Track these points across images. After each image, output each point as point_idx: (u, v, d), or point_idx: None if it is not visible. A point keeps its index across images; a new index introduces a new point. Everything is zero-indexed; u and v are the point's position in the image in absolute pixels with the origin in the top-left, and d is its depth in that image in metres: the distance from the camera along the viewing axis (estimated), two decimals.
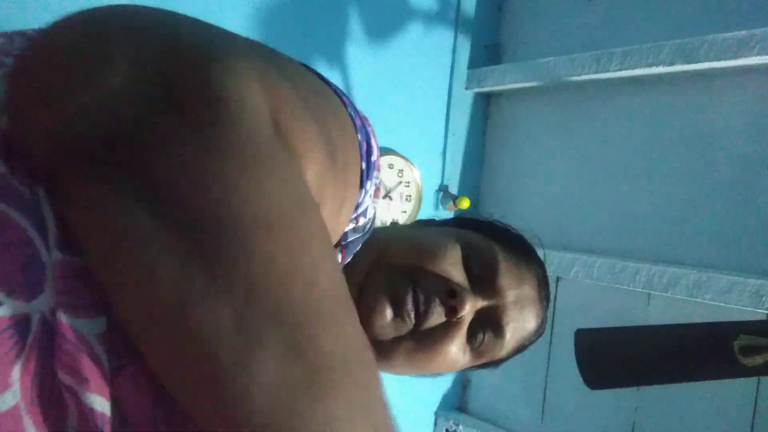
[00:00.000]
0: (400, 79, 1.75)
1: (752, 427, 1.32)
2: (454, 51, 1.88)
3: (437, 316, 0.54)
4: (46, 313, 0.26)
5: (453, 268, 0.56)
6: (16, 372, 0.24)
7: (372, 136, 0.48)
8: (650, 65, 1.49)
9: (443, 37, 1.85)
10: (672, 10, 1.56)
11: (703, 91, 1.49)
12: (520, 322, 0.60)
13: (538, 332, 0.65)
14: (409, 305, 0.53)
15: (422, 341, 0.54)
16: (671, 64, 1.45)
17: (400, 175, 1.77)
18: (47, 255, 0.26)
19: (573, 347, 0.86)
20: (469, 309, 0.55)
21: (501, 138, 1.96)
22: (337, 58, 1.60)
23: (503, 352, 0.61)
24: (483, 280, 0.58)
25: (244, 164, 0.27)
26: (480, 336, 0.57)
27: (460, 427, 1.87)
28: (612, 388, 0.93)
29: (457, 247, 0.58)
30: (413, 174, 1.79)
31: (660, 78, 1.54)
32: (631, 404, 1.52)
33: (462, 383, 1.94)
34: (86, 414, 0.26)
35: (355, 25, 1.62)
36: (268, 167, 0.28)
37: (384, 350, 0.54)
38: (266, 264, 0.26)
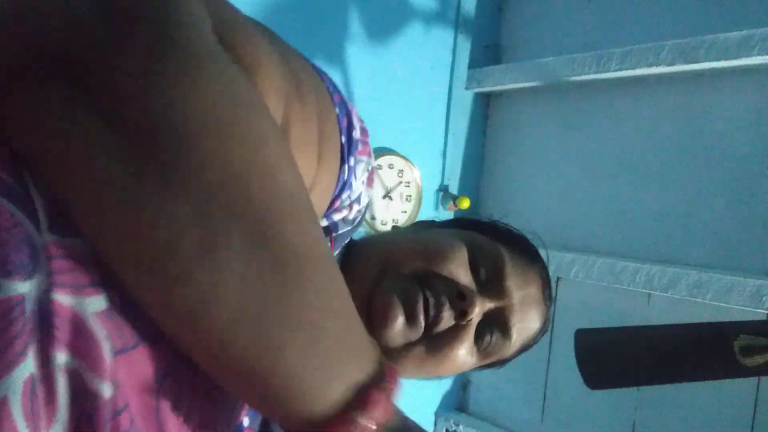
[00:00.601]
0: (400, 79, 1.75)
1: (752, 427, 1.32)
2: (454, 51, 1.88)
3: (447, 320, 0.54)
4: (40, 295, 0.26)
5: (460, 270, 0.56)
6: (14, 354, 0.25)
7: (354, 115, 0.48)
8: (650, 65, 1.49)
9: (443, 37, 1.85)
10: (672, 10, 1.56)
11: (703, 91, 1.49)
12: (526, 323, 0.60)
13: (543, 331, 0.65)
14: (421, 311, 0.53)
15: (433, 346, 0.54)
16: (671, 64, 1.45)
17: (400, 175, 1.77)
18: (39, 237, 0.26)
19: (573, 347, 0.86)
20: (478, 311, 0.55)
21: (501, 138, 1.96)
22: (338, 58, 1.60)
23: (510, 352, 0.62)
24: (490, 282, 0.58)
25: (187, 68, 0.27)
26: (488, 337, 0.58)
27: (460, 427, 1.87)
28: (612, 388, 0.93)
29: (464, 248, 0.58)
30: (413, 174, 1.79)
31: (660, 78, 1.54)
32: (632, 404, 1.52)
33: (462, 383, 1.94)
34: (82, 395, 0.26)
35: (356, 25, 1.62)
36: (214, 70, 0.28)
37: (394, 357, 0.54)
38: (222, 164, 0.26)
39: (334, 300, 0.30)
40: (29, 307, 0.25)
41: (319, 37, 1.56)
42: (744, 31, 1.33)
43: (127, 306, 0.29)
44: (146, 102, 0.26)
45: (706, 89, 1.48)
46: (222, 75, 0.28)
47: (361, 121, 0.50)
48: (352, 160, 0.47)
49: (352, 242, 0.60)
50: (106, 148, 0.25)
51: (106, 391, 0.27)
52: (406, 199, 1.80)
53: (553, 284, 1.77)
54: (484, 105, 1.99)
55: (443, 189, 1.91)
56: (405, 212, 1.81)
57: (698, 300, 1.37)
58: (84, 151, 0.25)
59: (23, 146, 0.27)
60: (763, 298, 1.27)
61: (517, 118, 1.91)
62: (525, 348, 0.65)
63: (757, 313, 1.29)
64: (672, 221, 1.52)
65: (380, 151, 1.72)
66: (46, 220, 0.27)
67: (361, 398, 0.30)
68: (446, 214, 1.93)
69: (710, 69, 1.43)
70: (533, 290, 0.61)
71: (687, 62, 1.42)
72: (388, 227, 1.77)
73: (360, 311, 0.40)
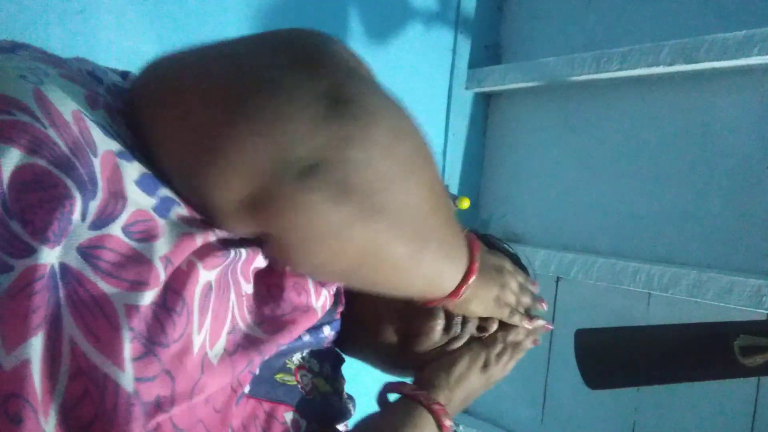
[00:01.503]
0: (400, 79, 1.75)
1: (752, 428, 1.32)
2: (454, 51, 1.88)
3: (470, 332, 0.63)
4: (55, 265, 0.28)
5: None
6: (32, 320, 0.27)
7: None
8: (650, 65, 1.49)
9: (443, 37, 1.85)
10: (672, 10, 1.56)
11: (703, 91, 1.49)
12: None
13: None
14: (458, 323, 0.61)
15: (453, 344, 0.62)
16: (671, 64, 1.45)
17: None
18: (79, 220, 0.29)
19: (573, 347, 0.86)
20: (494, 327, 0.63)
21: (501, 138, 1.96)
22: None
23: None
24: None
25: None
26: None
27: (461, 427, 1.87)
28: (612, 388, 0.93)
29: None
30: None
31: (660, 78, 1.54)
32: (632, 404, 1.52)
33: None
34: (89, 371, 0.29)
35: (356, 25, 1.62)
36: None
37: (425, 357, 0.60)
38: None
39: (450, 221, 0.44)
40: (55, 272, 0.28)
41: None
42: (744, 31, 1.33)
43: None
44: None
45: (706, 89, 1.48)
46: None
47: None
48: None
49: None
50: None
51: (116, 374, 0.30)
52: None
53: (553, 284, 1.78)
54: (484, 105, 1.99)
55: None
56: None
57: (698, 300, 1.37)
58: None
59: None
60: (763, 298, 1.27)
61: (517, 118, 1.91)
62: None
63: (757, 313, 1.29)
64: (672, 221, 1.52)
65: None
66: (96, 213, 0.31)
67: (469, 270, 0.49)
68: None
69: (710, 69, 1.43)
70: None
71: (687, 62, 1.42)
72: None
73: (398, 325, 0.59)
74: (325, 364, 0.58)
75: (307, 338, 0.53)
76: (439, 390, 0.57)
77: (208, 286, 0.36)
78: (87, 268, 0.29)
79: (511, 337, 0.64)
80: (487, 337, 0.64)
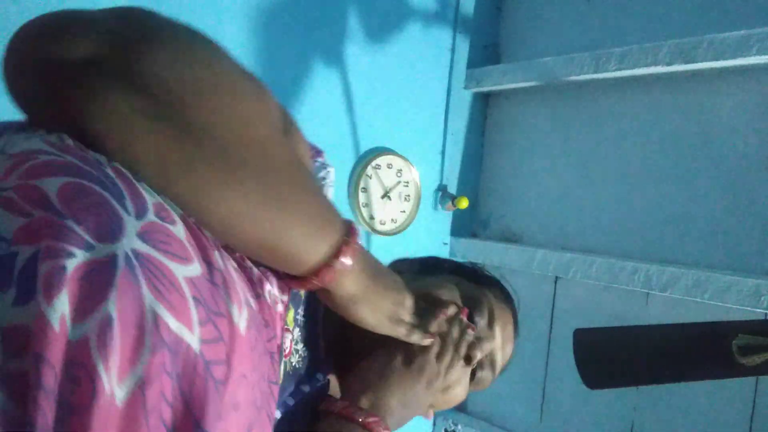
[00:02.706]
0: (399, 79, 1.75)
1: (751, 427, 1.33)
2: (453, 51, 1.88)
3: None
4: (128, 252, 0.32)
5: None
6: (112, 294, 0.30)
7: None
8: (649, 65, 1.49)
9: (442, 37, 1.86)
10: (670, 9, 1.56)
11: (702, 91, 1.49)
12: (505, 357, 0.70)
13: (511, 359, 0.75)
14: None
15: (444, 388, 0.61)
16: (670, 63, 1.45)
17: (398, 174, 1.77)
18: (126, 214, 0.33)
19: (572, 347, 0.86)
20: (479, 357, 0.62)
21: (500, 138, 1.96)
22: (337, 58, 1.60)
23: (491, 383, 0.71)
24: (485, 328, 0.66)
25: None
26: (479, 374, 0.66)
27: (459, 427, 1.87)
28: (611, 387, 0.93)
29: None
30: (412, 174, 1.79)
31: (659, 78, 1.54)
32: (630, 404, 1.52)
33: None
34: (167, 336, 0.32)
35: (355, 25, 1.62)
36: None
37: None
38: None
39: (310, 192, 0.44)
40: (121, 260, 0.31)
41: (319, 37, 1.56)
42: (742, 31, 1.33)
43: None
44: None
45: (705, 89, 1.48)
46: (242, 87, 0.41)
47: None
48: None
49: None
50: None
51: (191, 338, 0.33)
52: (405, 198, 1.80)
53: (552, 284, 1.78)
54: (483, 105, 1.99)
55: (442, 189, 1.91)
56: (404, 212, 1.81)
57: (696, 299, 1.37)
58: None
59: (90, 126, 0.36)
60: (762, 298, 1.27)
61: (516, 118, 1.91)
62: (501, 372, 0.74)
63: (756, 313, 1.29)
64: (670, 221, 1.52)
65: (379, 151, 1.72)
66: (133, 207, 0.34)
67: (338, 249, 0.45)
68: (445, 214, 1.93)
69: (709, 69, 1.43)
70: (509, 329, 0.70)
71: (686, 62, 1.42)
72: (386, 227, 1.77)
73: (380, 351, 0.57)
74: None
75: (307, 389, 0.55)
76: (373, 403, 0.54)
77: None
78: (151, 249, 0.33)
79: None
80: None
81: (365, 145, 1.71)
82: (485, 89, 1.91)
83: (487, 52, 1.96)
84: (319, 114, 1.59)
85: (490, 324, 0.66)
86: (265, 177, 0.39)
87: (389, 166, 1.74)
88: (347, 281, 0.47)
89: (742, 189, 1.41)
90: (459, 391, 0.63)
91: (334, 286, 0.47)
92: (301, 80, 1.54)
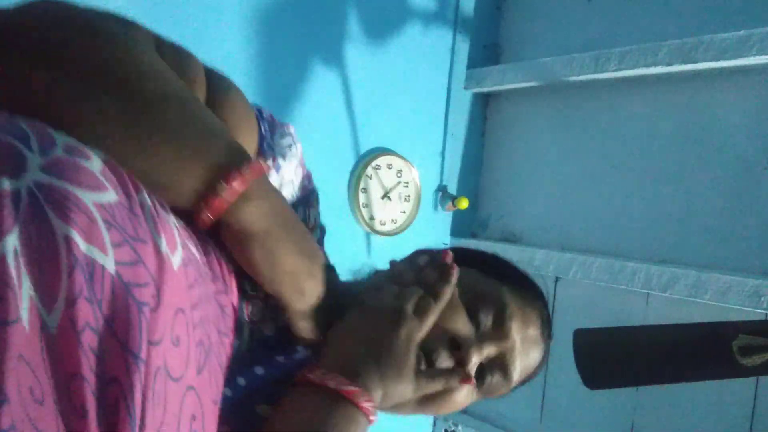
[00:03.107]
0: (399, 80, 1.75)
1: (751, 428, 1.32)
2: (453, 51, 1.88)
3: (444, 361, 0.54)
4: (31, 185, 0.32)
5: (456, 317, 0.56)
6: (16, 227, 0.31)
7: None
8: (649, 65, 1.49)
9: (442, 37, 1.85)
10: (670, 10, 1.56)
11: (701, 91, 1.49)
12: (526, 363, 0.61)
13: (541, 367, 0.66)
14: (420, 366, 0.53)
15: (433, 396, 0.54)
16: (669, 64, 1.45)
17: (398, 175, 1.77)
18: (29, 152, 0.34)
19: (572, 347, 0.86)
20: (475, 360, 0.55)
21: (500, 138, 1.96)
22: (337, 58, 1.60)
23: (507, 391, 0.62)
24: (489, 327, 0.58)
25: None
26: (488, 379, 0.58)
27: (459, 428, 1.87)
28: (611, 388, 0.93)
29: (460, 300, 0.57)
30: (412, 174, 1.79)
31: (658, 78, 1.54)
32: (630, 404, 1.52)
33: None
34: (80, 256, 0.33)
35: (355, 26, 1.62)
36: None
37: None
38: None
39: (185, 121, 0.42)
40: (24, 196, 0.32)
41: (319, 38, 1.56)
42: (742, 31, 1.33)
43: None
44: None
45: (705, 89, 1.48)
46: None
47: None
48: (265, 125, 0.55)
49: (347, 285, 0.60)
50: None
51: (106, 262, 0.34)
52: (405, 199, 1.80)
53: (552, 284, 1.78)
54: (483, 105, 1.99)
55: (442, 189, 1.91)
56: (404, 212, 1.81)
57: (697, 300, 1.37)
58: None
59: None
60: (762, 298, 1.27)
61: (516, 118, 1.91)
62: (525, 382, 0.65)
63: (756, 313, 1.29)
64: (670, 221, 1.52)
65: (379, 151, 1.72)
66: (37, 144, 0.35)
67: (225, 175, 0.42)
68: (445, 215, 1.93)
69: (709, 69, 1.43)
70: (532, 331, 0.61)
71: (685, 62, 1.42)
72: (386, 227, 1.77)
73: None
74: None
75: (282, 360, 0.50)
76: (347, 369, 0.47)
77: (153, 203, 0.40)
78: (54, 179, 0.33)
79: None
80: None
81: (365, 146, 1.71)
82: (485, 89, 1.91)
83: (487, 52, 1.96)
84: (319, 114, 1.58)
85: (500, 324, 0.58)
86: (123, 99, 0.40)
87: (389, 166, 1.74)
88: (243, 213, 0.43)
89: (742, 189, 1.41)
90: (457, 397, 0.56)
91: (228, 217, 0.43)
92: (302, 81, 1.53)
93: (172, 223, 0.41)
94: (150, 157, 0.40)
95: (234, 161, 0.42)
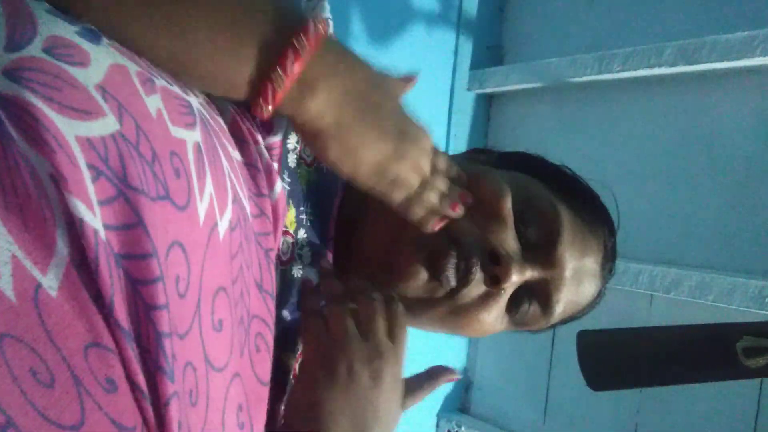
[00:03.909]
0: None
1: (755, 429, 1.32)
2: (456, 52, 1.88)
3: (477, 284, 0.46)
4: None
5: (499, 222, 0.47)
6: None
7: None
8: (653, 66, 1.48)
9: (445, 38, 1.85)
10: (674, 11, 1.56)
11: (705, 92, 1.48)
12: (574, 298, 0.52)
13: (592, 305, 0.57)
14: (450, 272, 0.45)
15: (457, 309, 0.47)
16: (674, 65, 1.45)
17: None
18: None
19: (575, 348, 0.86)
20: (515, 280, 0.46)
21: (503, 139, 1.96)
22: None
23: (546, 325, 0.54)
24: (538, 247, 0.49)
25: None
26: (525, 307, 0.49)
27: (463, 429, 1.86)
28: (614, 389, 0.93)
29: (509, 197, 0.48)
30: None
31: (662, 79, 1.54)
32: (634, 406, 1.52)
33: (464, 384, 1.93)
34: (71, 220, 0.24)
35: (357, 26, 1.62)
36: None
37: (413, 309, 0.47)
38: None
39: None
40: None
41: None
42: (746, 32, 1.33)
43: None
44: None
45: (709, 90, 1.48)
46: None
47: None
48: None
49: None
50: None
51: (85, 213, 0.25)
52: None
53: None
54: (486, 106, 1.99)
55: None
56: None
57: (701, 301, 1.36)
58: None
59: None
60: (766, 299, 1.26)
61: (519, 119, 1.91)
62: (565, 321, 0.57)
63: (760, 315, 1.28)
64: (674, 222, 1.51)
65: None
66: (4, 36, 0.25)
67: (281, 52, 0.32)
68: None
69: (713, 70, 1.43)
70: (590, 262, 0.51)
71: (689, 63, 1.42)
72: None
73: (379, 262, 0.46)
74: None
75: (288, 317, 0.44)
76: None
77: (196, 147, 0.30)
78: (24, 92, 0.24)
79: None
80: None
81: None
82: (488, 90, 1.91)
83: (490, 53, 1.96)
84: None
85: (551, 246, 0.48)
86: None
87: None
88: (306, 104, 0.34)
89: (746, 190, 1.40)
90: (482, 316, 0.47)
91: (289, 110, 0.35)
92: None
93: (226, 169, 0.32)
94: (186, 41, 0.31)
95: (286, 32, 0.33)
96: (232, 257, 0.33)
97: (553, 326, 0.57)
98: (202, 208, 0.30)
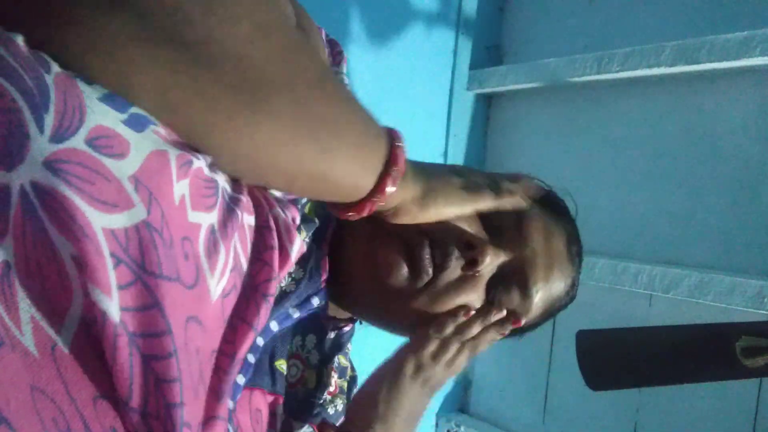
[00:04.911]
0: (401, 80, 1.75)
1: (754, 429, 1.32)
2: (455, 52, 1.88)
3: (454, 270, 0.49)
4: (25, 185, 0.24)
5: (468, 219, 0.51)
6: (6, 239, 0.24)
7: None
8: (652, 66, 1.49)
9: (444, 38, 1.85)
10: (673, 11, 1.56)
11: (704, 92, 1.49)
12: (549, 281, 0.53)
13: (569, 295, 0.59)
14: (426, 261, 0.48)
15: (435, 296, 0.49)
16: (673, 65, 1.45)
17: None
18: (36, 131, 0.25)
19: (574, 348, 0.86)
20: (489, 261, 0.49)
21: (502, 139, 1.96)
22: None
23: (530, 314, 0.55)
24: (505, 231, 0.52)
25: None
26: (502, 293, 0.52)
27: (462, 429, 1.86)
28: (613, 389, 0.93)
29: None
30: None
31: (661, 79, 1.54)
32: (633, 405, 1.52)
33: (463, 384, 1.94)
34: (90, 303, 0.26)
35: (357, 26, 1.63)
36: None
37: (399, 305, 0.50)
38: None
39: (347, 102, 0.37)
40: (15, 196, 0.24)
41: None
42: (745, 32, 1.33)
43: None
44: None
45: (708, 90, 1.48)
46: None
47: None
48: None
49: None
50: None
51: (108, 305, 0.26)
52: None
53: None
54: (486, 106, 1.99)
55: None
56: None
57: (700, 301, 1.37)
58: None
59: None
60: (765, 299, 1.27)
61: (519, 119, 1.91)
62: (549, 313, 0.58)
63: (759, 314, 1.28)
64: (673, 222, 1.52)
65: None
66: (53, 126, 0.26)
67: (389, 163, 0.40)
68: None
69: (711, 70, 1.43)
70: (557, 244, 0.54)
71: (688, 63, 1.42)
72: None
73: (365, 261, 0.50)
74: (322, 352, 0.54)
75: (297, 315, 0.48)
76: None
77: (210, 229, 0.32)
78: (61, 184, 0.25)
79: (457, 329, 0.51)
80: (419, 335, 0.51)
81: None
82: (488, 90, 1.91)
83: (489, 53, 1.96)
84: None
85: (518, 229, 0.52)
86: (298, 94, 0.31)
87: None
88: (406, 188, 0.43)
89: (745, 190, 1.40)
90: (461, 302, 0.50)
91: (393, 198, 0.42)
92: None
93: (235, 239, 0.34)
94: (320, 156, 0.34)
95: (389, 151, 0.40)
96: (225, 320, 0.35)
97: (535, 325, 0.59)
98: (212, 283, 0.32)
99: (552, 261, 0.53)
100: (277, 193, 0.42)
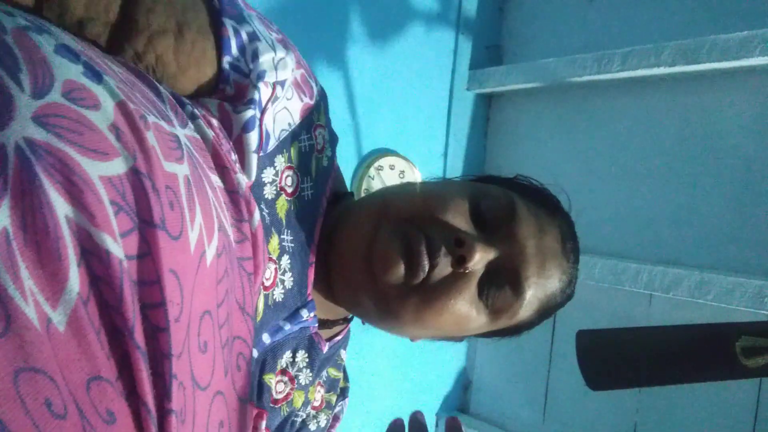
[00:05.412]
0: (401, 80, 1.75)
1: (754, 429, 1.32)
2: (455, 52, 1.88)
3: (443, 267, 0.47)
4: (19, 142, 0.25)
5: (458, 216, 0.49)
6: (4, 201, 0.24)
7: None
8: (652, 66, 1.49)
9: (444, 38, 1.85)
10: (673, 11, 1.56)
11: (704, 91, 1.49)
12: (542, 278, 0.52)
13: (565, 293, 0.57)
14: (424, 254, 0.47)
15: (428, 296, 0.48)
16: (673, 64, 1.45)
17: (401, 176, 1.77)
18: (18, 91, 0.26)
19: (574, 348, 0.86)
20: (479, 258, 0.47)
21: (502, 139, 1.96)
22: (339, 59, 1.60)
23: (524, 312, 0.53)
24: (496, 228, 0.50)
25: None
26: (494, 291, 0.50)
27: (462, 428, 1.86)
28: (613, 389, 0.93)
29: (465, 194, 0.51)
30: (414, 175, 1.79)
31: (662, 79, 1.54)
32: (633, 405, 1.52)
33: (463, 384, 1.94)
34: (93, 250, 0.26)
35: (357, 27, 1.63)
36: None
37: (391, 308, 0.49)
38: None
39: None
40: (11, 154, 0.25)
41: (321, 39, 1.56)
42: (745, 32, 1.33)
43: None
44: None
45: (708, 90, 1.48)
46: None
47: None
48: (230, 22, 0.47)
49: (351, 195, 0.60)
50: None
51: (115, 247, 0.27)
52: None
53: None
54: (485, 106, 1.99)
55: None
56: None
57: (700, 301, 1.36)
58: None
59: None
60: (765, 299, 1.27)
61: (518, 119, 1.91)
62: (546, 312, 0.57)
63: (759, 314, 1.28)
64: (673, 222, 1.52)
65: (381, 152, 1.72)
66: (30, 82, 0.27)
67: None
68: None
69: (711, 70, 1.43)
70: (550, 240, 0.52)
71: (688, 63, 1.42)
72: None
73: (359, 257, 0.49)
74: (316, 372, 0.54)
75: (288, 327, 0.48)
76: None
77: (186, 180, 0.32)
78: (52, 138, 0.26)
79: None
80: None
81: (367, 147, 1.71)
82: (487, 90, 1.91)
83: (489, 53, 1.96)
84: None
85: (507, 224, 0.50)
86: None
87: (391, 167, 1.74)
88: None
89: (745, 190, 1.40)
90: (453, 299, 0.48)
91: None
92: None
93: (210, 199, 0.34)
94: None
95: None
96: (218, 282, 0.35)
97: (532, 324, 0.58)
98: (192, 237, 0.32)
99: (545, 257, 0.51)
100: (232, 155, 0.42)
